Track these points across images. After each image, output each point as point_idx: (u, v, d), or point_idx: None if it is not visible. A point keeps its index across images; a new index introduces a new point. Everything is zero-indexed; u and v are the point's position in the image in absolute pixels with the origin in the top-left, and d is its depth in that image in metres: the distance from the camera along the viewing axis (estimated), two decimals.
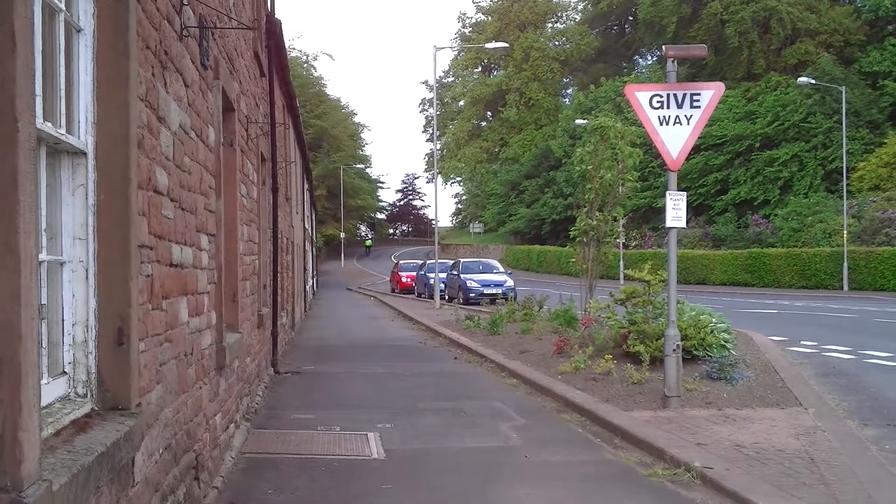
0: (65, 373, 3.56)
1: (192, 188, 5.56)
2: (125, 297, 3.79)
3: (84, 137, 3.64)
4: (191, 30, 5.53)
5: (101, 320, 3.71)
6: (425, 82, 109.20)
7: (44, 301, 3.32)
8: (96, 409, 3.69)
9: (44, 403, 3.15)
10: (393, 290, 46.04)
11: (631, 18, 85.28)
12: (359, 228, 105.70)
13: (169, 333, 4.82)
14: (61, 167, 3.54)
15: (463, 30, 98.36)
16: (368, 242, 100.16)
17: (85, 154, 3.64)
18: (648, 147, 13.68)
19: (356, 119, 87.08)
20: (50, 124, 3.27)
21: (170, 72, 4.88)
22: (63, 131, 3.43)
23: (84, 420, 3.49)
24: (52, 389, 3.38)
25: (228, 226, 7.70)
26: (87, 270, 3.65)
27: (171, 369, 4.88)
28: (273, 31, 13.31)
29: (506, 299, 27.37)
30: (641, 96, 9.79)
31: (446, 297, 34.40)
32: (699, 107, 9.69)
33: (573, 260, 18.05)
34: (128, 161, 3.80)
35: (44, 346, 3.32)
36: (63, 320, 3.54)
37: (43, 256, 3.24)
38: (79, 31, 3.62)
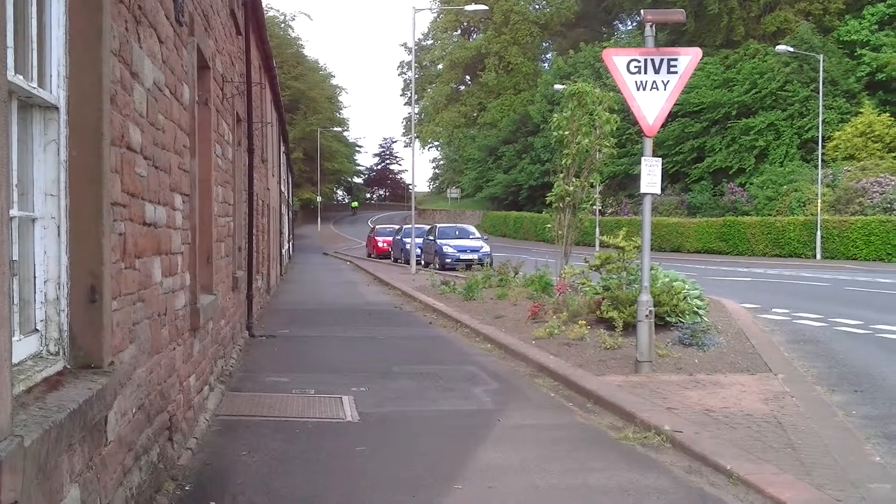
0: (37, 330, 3.53)
1: (165, 146, 5.51)
2: (97, 254, 3.76)
3: (56, 92, 3.59)
4: None
5: (73, 278, 3.69)
6: (404, 45, 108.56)
7: (15, 258, 3.29)
8: (68, 367, 3.67)
9: (15, 361, 3.13)
10: (369, 255, 45.98)
11: None
12: (335, 193, 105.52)
13: (142, 293, 4.80)
14: (33, 122, 3.49)
15: None
16: (354, 204, 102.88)
17: (57, 109, 3.59)
18: (626, 113, 13.67)
19: (334, 81, 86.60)
20: (21, 77, 3.22)
21: (143, 27, 4.81)
22: (35, 85, 3.37)
23: (56, 378, 3.47)
24: (23, 347, 3.35)
25: (203, 186, 7.64)
26: (59, 227, 3.62)
27: (144, 329, 4.86)
28: None
29: (482, 265, 27.43)
30: (619, 61, 9.77)
31: (422, 262, 34.39)
32: (676, 72, 9.68)
33: (549, 226, 18.06)
34: (100, 117, 3.75)
35: (15, 303, 3.29)
36: (35, 277, 3.51)
37: (14, 212, 3.20)
38: None
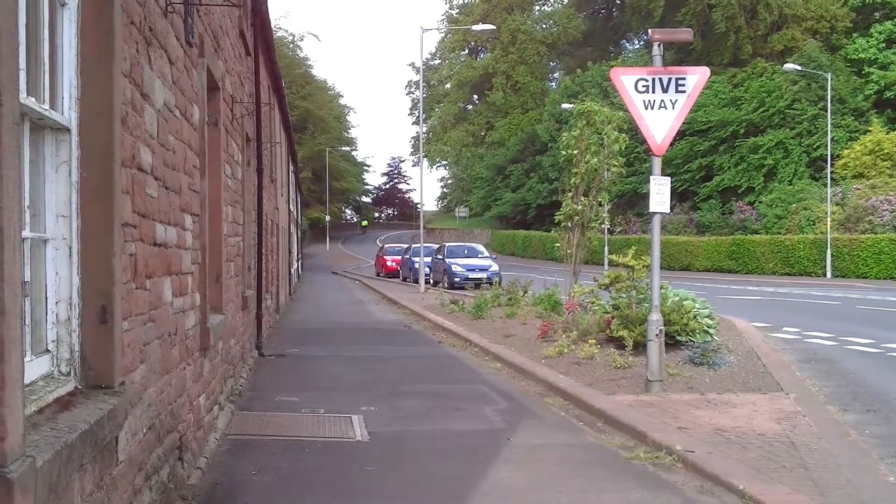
0: (48, 351, 3.54)
1: (176, 167, 5.53)
2: (109, 275, 3.76)
3: (68, 113, 3.61)
4: (176, 6, 5.48)
5: (84, 298, 3.69)
6: (412, 64, 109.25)
7: (27, 279, 3.29)
8: (80, 387, 3.67)
9: (27, 381, 3.14)
10: (378, 274, 46.03)
11: (618, 2, 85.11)
12: (344, 212, 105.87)
13: (153, 313, 4.81)
14: (45, 143, 3.51)
15: (450, 11, 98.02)
16: (364, 223, 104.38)
17: (69, 130, 3.61)
18: (634, 132, 13.66)
19: (342, 101, 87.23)
20: (34, 99, 3.24)
21: (154, 48, 4.84)
22: (47, 107, 3.39)
23: (67, 398, 3.48)
24: (35, 367, 3.36)
25: (212, 206, 7.67)
26: (70, 248, 3.63)
27: (154, 349, 4.87)
28: (259, 9, 13.21)
29: (490, 284, 27.41)
30: (627, 80, 9.78)
31: (431, 281, 34.41)
32: (684, 91, 9.69)
33: (558, 245, 18.05)
34: (111, 138, 3.77)
35: (27, 323, 3.29)
36: (46, 298, 3.51)
37: (26, 233, 3.22)
38: (63, 5, 3.58)
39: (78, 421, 3.21)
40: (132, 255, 4.27)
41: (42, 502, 2.69)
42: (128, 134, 4.13)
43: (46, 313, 3.52)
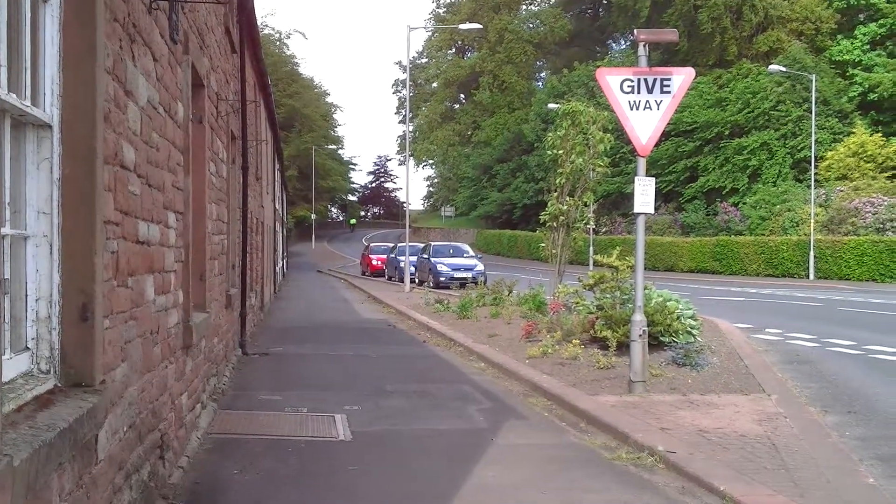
0: (28, 348, 3.51)
1: (159, 164, 5.51)
2: (90, 272, 3.74)
3: (49, 110, 3.58)
4: (160, 3, 5.45)
5: (65, 296, 3.67)
6: (399, 63, 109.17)
7: (7, 276, 3.27)
8: (59, 385, 3.65)
9: (6, 379, 3.12)
10: (363, 273, 45.95)
11: (605, 2, 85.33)
12: (330, 210, 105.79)
13: (134, 311, 4.78)
14: (26, 140, 3.48)
15: (437, 10, 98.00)
16: (352, 221, 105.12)
17: (50, 127, 3.58)
18: (620, 133, 13.64)
19: (329, 99, 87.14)
20: (14, 96, 3.22)
21: (138, 45, 4.82)
22: (28, 103, 3.37)
23: (47, 396, 3.45)
24: (14, 365, 3.33)
25: (196, 204, 7.64)
26: (51, 245, 3.60)
27: (136, 347, 4.84)
28: (245, 6, 13.15)
29: (476, 283, 27.42)
30: (612, 80, 9.81)
31: (416, 280, 34.39)
32: (669, 92, 9.72)
33: (543, 245, 18.09)
34: (94, 135, 3.75)
35: (6, 321, 3.27)
36: (27, 295, 3.49)
37: (6, 230, 3.19)
38: (45, 1, 3.55)
39: (57, 419, 3.19)
40: (114, 252, 4.24)
41: (20, 501, 2.68)
42: (110, 131, 4.11)
43: (26, 311, 3.50)
